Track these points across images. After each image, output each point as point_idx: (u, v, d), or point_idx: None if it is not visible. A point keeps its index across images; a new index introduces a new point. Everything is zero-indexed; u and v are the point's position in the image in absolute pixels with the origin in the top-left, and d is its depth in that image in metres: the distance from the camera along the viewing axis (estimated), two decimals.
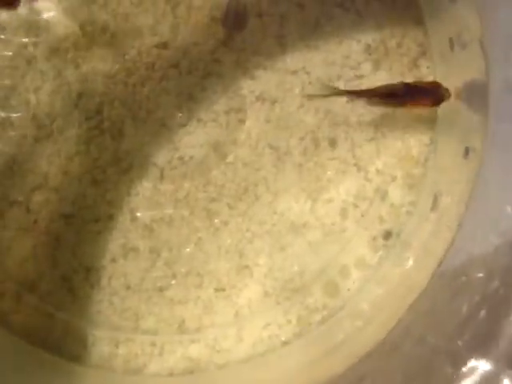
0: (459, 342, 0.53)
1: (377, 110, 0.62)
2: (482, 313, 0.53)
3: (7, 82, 0.60)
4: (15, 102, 0.61)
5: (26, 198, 0.61)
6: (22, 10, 0.60)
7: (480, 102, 0.56)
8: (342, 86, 0.62)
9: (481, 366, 0.50)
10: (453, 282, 0.58)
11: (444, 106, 0.61)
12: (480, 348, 0.50)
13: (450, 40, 0.59)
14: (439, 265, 0.58)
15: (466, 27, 0.58)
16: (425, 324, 0.57)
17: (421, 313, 0.58)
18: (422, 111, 0.61)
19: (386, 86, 0.59)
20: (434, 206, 0.60)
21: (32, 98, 0.61)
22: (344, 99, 0.61)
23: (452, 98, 0.58)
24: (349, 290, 0.62)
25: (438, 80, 0.60)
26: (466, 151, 0.58)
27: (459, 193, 0.58)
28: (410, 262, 0.60)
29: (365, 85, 0.61)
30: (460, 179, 0.58)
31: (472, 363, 0.50)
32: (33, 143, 0.61)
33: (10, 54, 0.60)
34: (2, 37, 0.60)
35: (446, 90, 0.58)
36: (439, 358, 0.54)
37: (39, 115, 0.61)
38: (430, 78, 0.62)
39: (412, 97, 0.59)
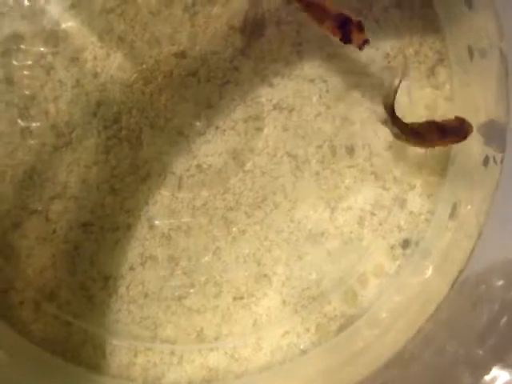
0: (479, 351, 0.53)
1: None
2: (503, 321, 0.53)
3: (27, 92, 0.60)
4: (34, 111, 0.61)
5: (45, 207, 0.61)
6: (42, 19, 0.61)
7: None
8: (359, 95, 0.62)
9: (502, 375, 0.49)
10: (473, 290, 0.57)
11: (461, 114, 0.61)
12: (501, 357, 0.50)
13: (469, 47, 0.59)
14: (459, 273, 0.58)
15: (485, 34, 0.58)
16: (445, 333, 0.57)
17: (441, 321, 0.58)
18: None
19: (420, 126, 0.58)
20: (453, 214, 0.60)
21: (51, 107, 0.61)
22: (362, 108, 0.61)
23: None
24: (367, 298, 0.62)
25: (458, 90, 0.60)
26: (486, 160, 0.58)
27: (479, 202, 0.58)
28: (430, 271, 0.60)
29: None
30: (480, 188, 0.58)
31: (493, 372, 0.50)
32: (52, 152, 0.61)
33: (29, 63, 0.60)
34: (22, 47, 0.60)
35: (470, 125, 0.58)
36: (459, 368, 0.54)
37: (58, 124, 0.61)
38: (448, 86, 0.62)
39: (441, 137, 0.58)
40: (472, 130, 0.58)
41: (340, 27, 0.54)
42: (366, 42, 0.53)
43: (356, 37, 0.53)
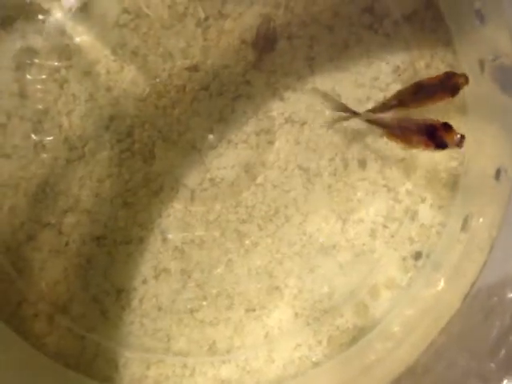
0: (492, 364, 0.53)
1: None
2: None
3: (40, 106, 0.61)
4: (48, 125, 0.61)
5: (58, 220, 0.61)
6: (55, 33, 0.61)
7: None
8: (370, 107, 0.62)
9: None
10: (485, 303, 0.57)
11: (473, 128, 0.61)
12: None
13: (480, 61, 0.60)
14: (471, 286, 0.58)
15: (496, 48, 0.58)
16: (457, 346, 0.57)
17: (453, 334, 0.58)
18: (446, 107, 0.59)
19: (397, 93, 0.57)
20: (465, 227, 0.60)
21: (64, 121, 0.61)
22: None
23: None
24: (379, 310, 0.62)
25: (470, 102, 0.60)
26: (498, 173, 0.58)
27: (491, 215, 0.58)
28: (442, 284, 0.60)
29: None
30: (492, 201, 0.58)
31: None
32: (65, 166, 0.61)
33: (43, 77, 0.61)
34: (36, 61, 0.60)
35: (462, 75, 0.55)
36: (471, 381, 0.54)
37: (71, 138, 0.61)
38: (460, 100, 0.62)
39: (426, 94, 0.56)
40: (466, 81, 0.54)
41: (430, 138, 0.53)
42: (462, 138, 0.52)
43: (450, 139, 0.53)
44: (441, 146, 0.53)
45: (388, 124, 0.57)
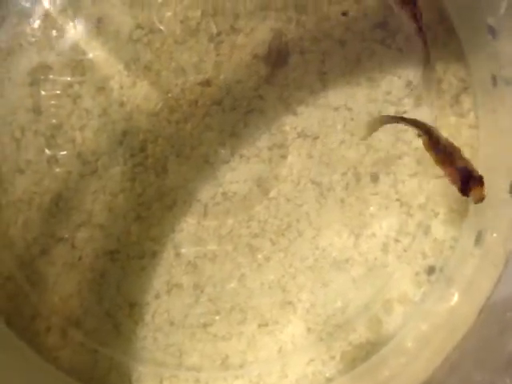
0: (507, 380, 0.53)
1: (418, 144, 0.62)
2: None
3: (54, 121, 0.61)
4: (61, 140, 0.61)
5: (72, 234, 0.62)
6: (69, 49, 0.61)
7: None
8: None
9: None
10: (500, 317, 0.57)
11: (485, 142, 0.61)
12: None
13: (493, 76, 0.60)
14: (486, 301, 0.58)
15: (509, 63, 0.58)
16: (472, 361, 0.57)
17: (468, 349, 0.58)
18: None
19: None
20: (478, 241, 0.60)
21: (78, 135, 0.62)
22: (387, 135, 0.62)
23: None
24: (392, 325, 0.62)
25: (483, 118, 0.60)
26: (511, 187, 0.58)
27: (505, 230, 0.57)
28: (455, 298, 0.60)
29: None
30: (505, 216, 0.58)
31: None
32: (78, 180, 0.62)
33: (57, 93, 0.61)
34: (50, 77, 0.61)
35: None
36: None
37: (84, 153, 0.62)
38: (472, 114, 0.62)
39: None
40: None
41: (462, 180, 0.53)
42: (483, 199, 0.53)
43: (476, 194, 0.53)
44: (463, 192, 0.54)
45: (434, 136, 0.56)
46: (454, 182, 0.55)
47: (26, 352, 0.60)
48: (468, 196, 0.53)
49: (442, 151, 0.55)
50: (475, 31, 0.60)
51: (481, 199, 0.53)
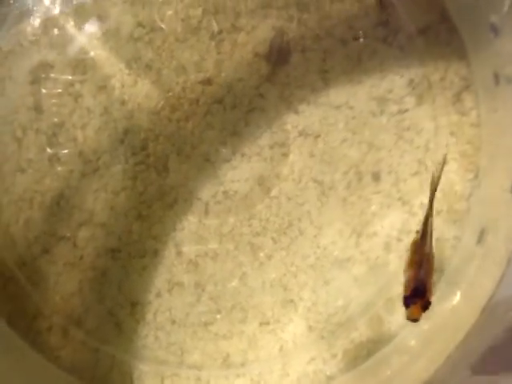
0: (510, 380, 0.53)
1: (419, 142, 0.62)
2: None
3: (55, 119, 0.61)
4: (63, 138, 0.61)
5: (73, 233, 0.61)
6: (70, 47, 0.61)
7: None
8: (384, 120, 0.62)
9: None
10: (503, 316, 0.57)
11: (487, 141, 0.61)
12: None
13: (495, 74, 0.59)
14: (488, 300, 0.57)
15: (511, 61, 0.58)
16: (474, 360, 0.57)
17: (470, 349, 0.58)
18: None
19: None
20: (480, 241, 0.60)
21: (79, 134, 0.62)
22: (388, 134, 0.62)
23: None
24: (394, 324, 0.62)
25: (485, 116, 0.60)
26: None
27: (507, 229, 0.57)
28: (457, 297, 0.60)
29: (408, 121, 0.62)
30: (507, 215, 0.58)
31: None
32: (80, 179, 0.62)
33: (58, 91, 0.61)
34: (52, 75, 0.61)
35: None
36: None
37: (86, 151, 0.62)
38: (474, 112, 0.62)
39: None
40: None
41: (412, 291, 0.52)
42: (415, 320, 0.52)
43: (413, 312, 0.52)
44: (405, 300, 0.52)
45: (426, 242, 0.55)
46: (405, 285, 0.53)
47: (28, 351, 0.60)
48: (405, 306, 0.52)
49: (420, 255, 0.54)
50: (477, 29, 0.60)
51: (413, 319, 0.52)
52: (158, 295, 0.62)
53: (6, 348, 0.60)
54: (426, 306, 0.52)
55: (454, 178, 0.62)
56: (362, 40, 0.61)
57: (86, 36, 0.62)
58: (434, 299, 0.59)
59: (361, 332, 0.62)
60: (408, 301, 0.52)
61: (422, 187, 0.62)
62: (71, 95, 0.61)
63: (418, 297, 0.52)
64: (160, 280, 0.62)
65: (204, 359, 0.62)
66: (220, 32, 0.62)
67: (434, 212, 0.55)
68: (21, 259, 0.61)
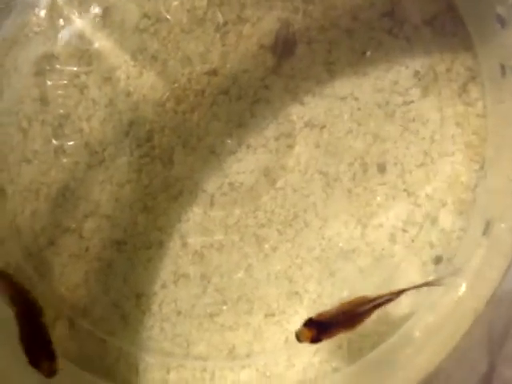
0: None
1: (424, 134, 0.62)
2: None
3: (61, 111, 0.61)
4: (68, 130, 0.61)
5: (79, 224, 0.62)
6: (75, 39, 0.61)
7: None
8: (390, 111, 0.62)
9: None
10: (508, 307, 0.57)
11: (493, 132, 0.61)
12: None
13: (501, 65, 0.59)
14: (494, 291, 0.57)
15: None
16: (479, 352, 0.57)
17: (475, 340, 0.58)
18: None
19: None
20: (486, 231, 0.60)
21: (85, 126, 0.62)
22: (394, 125, 0.62)
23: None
24: (399, 316, 0.62)
25: (491, 107, 0.60)
26: None
27: None
28: (463, 288, 0.60)
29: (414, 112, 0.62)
30: None
31: None
32: (85, 170, 0.62)
33: (64, 83, 0.61)
34: (57, 67, 0.61)
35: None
36: None
37: (91, 143, 0.62)
38: (480, 103, 0.61)
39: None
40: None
41: (320, 320, 0.55)
42: (298, 340, 0.54)
43: (304, 333, 0.54)
44: (306, 321, 0.55)
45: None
46: (324, 312, 0.56)
47: None
48: (304, 324, 0.54)
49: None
50: (484, 20, 0.60)
51: (298, 339, 0.54)
52: (164, 286, 0.62)
53: (12, 339, 0.60)
54: (315, 339, 0.54)
55: (459, 168, 0.62)
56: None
57: (92, 27, 0.62)
58: (440, 288, 0.60)
59: (366, 323, 0.62)
60: (310, 322, 0.54)
61: (428, 178, 0.62)
62: (76, 86, 0.61)
63: (319, 327, 0.54)
64: (165, 271, 0.62)
65: (210, 350, 0.62)
66: (225, 23, 0.62)
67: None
68: (27, 250, 0.61)
